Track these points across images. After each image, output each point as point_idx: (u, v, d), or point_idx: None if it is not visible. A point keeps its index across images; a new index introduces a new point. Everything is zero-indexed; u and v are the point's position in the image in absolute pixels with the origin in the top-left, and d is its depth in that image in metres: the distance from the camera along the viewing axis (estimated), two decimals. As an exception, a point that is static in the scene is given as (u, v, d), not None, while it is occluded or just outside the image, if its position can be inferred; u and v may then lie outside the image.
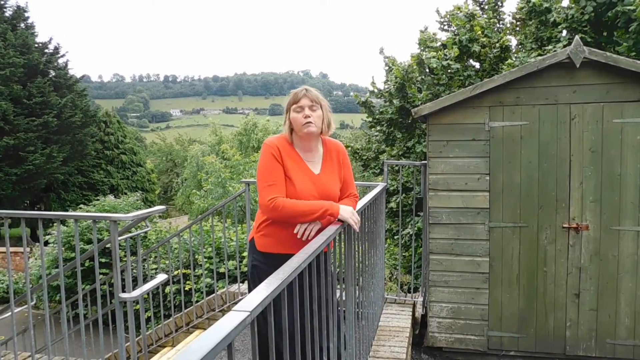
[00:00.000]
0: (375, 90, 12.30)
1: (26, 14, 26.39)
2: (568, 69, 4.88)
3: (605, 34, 9.00)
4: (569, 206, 5.01)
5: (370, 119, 12.23)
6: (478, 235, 5.31)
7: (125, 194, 23.56)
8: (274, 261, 2.69)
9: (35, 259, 13.80)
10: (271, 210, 2.72)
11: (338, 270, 3.00)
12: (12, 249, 3.31)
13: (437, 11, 12.57)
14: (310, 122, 2.81)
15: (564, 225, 5.03)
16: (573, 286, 5.06)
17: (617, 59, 4.65)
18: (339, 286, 3.02)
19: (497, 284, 5.29)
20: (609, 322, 4.98)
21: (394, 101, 10.89)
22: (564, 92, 4.94)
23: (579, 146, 4.92)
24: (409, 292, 7.62)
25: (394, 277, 9.49)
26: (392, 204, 10.41)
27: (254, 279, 2.98)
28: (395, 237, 11.23)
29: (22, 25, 25.94)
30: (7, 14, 25.32)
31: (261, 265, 2.92)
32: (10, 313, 3.76)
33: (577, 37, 4.88)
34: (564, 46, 8.38)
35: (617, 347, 4.98)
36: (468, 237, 5.34)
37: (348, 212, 2.69)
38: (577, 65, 4.75)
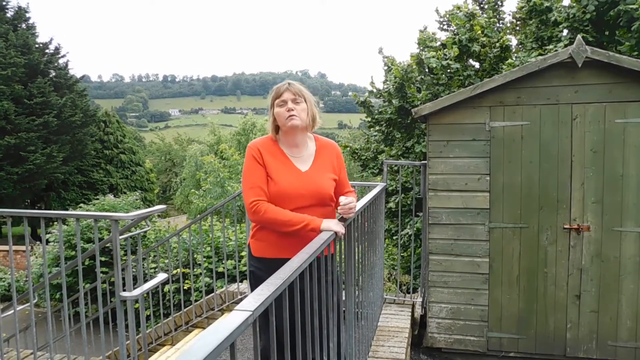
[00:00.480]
0: (374, 90, 12.27)
1: (27, 15, 26.68)
2: (570, 69, 4.84)
3: (607, 33, 8.94)
4: (570, 207, 4.97)
5: (369, 119, 12.19)
6: (478, 236, 5.28)
7: (125, 193, 23.58)
8: (268, 266, 2.66)
9: (36, 257, 13.82)
10: (252, 213, 2.70)
11: (338, 269, 2.96)
12: (13, 247, 3.41)
13: (437, 11, 12.54)
14: (293, 115, 2.74)
15: (565, 226, 4.99)
16: (574, 287, 5.03)
17: (620, 59, 4.61)
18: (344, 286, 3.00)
19: (497, 284, 5.26)
20: (610, 324, 4.95)
21: (393, 101, 10.85)
22: (565, 92, 4.90)
23: (580, 146, 4.89)
24: (408, 293, 7.59)
25: (393, 277, 9.47)
26: (391, 204, 10.38)
27: (252, 285, 2.96)
28: (394, 238, 11.20)
29: (24, 25, 26.23)
30: (8, 15, 25.62)
31: (257, 271, 2.88)
32: (12, 311, 3.78)
33: (579, 36, 4.85)
34: (565, 46, 8.34)
35: (618, 349, 4.94)
36: (468, 238, 5.31)
37: (331, 224, 2.61)
38: (579, 65, 4.71)
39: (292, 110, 2.74)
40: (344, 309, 2.99)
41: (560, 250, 5.04)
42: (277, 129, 2.87)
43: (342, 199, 2.68)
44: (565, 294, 5.05)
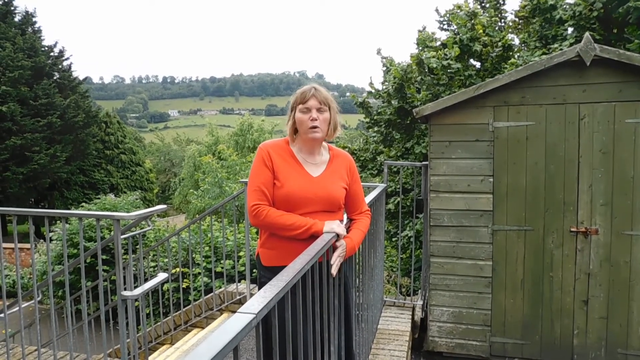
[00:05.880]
0: (373, 91, 12.14)
1: (34, 19, 27.56)
2: (577, 68, 4.72)
3: (615, 31, 8.83)
4: (577, 209, 4.85)
5: (367, 120, 12.08)
6: (481, 239, 5.18)
7: (125, 192, 23.83)
8: None
9: (40, 255, 13.88)
10: (253, 217, 2.62)
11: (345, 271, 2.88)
12: (18, 245, 3.63)
13: (437, 10, 12.41)
14: (316, 127, 2.63)
15: (572, 229, 4.87)
16: (581, 292, 4.90)
17: (630, 56, 4.48)
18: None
19: (500, 288, 5.15)
20: (620, 331, 4.81)
21: (393, 102, 10.73)
22: (572, 91, 4.78)
23: (588, 147, 4.76)
24: (408, 295, 7.49)
25: (392, 279, 9.36)
26: (390, 206, 10.28)
27: None
28: (394, 239, 11.10)
29: (30, 29, 27.08)
30: (16, 19, 26.56)
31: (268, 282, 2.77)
32: (17, 308, 3.86)
33: (587, 34, 4.73)
34: (571, 44, 8.23)
35: (629, 357, 4.81)
36: (470, 240, 5.22)
37: (333, 225, 2.53)
38: (588, 64, 4.59)
39: (316, 120, 2.63)
40: (357, 312, 2.92)
41: (566, 254, 4.92)
42: (294, 131, 2.75)
43: (337, 243, 2.56)
44: (572, 299, 4.93)
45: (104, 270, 9.26)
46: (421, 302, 6.08)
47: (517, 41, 11.28)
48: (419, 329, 5.77)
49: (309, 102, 2.64)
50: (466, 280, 5.25)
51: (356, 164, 12.26)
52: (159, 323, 6.33)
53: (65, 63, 28.61)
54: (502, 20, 11.86)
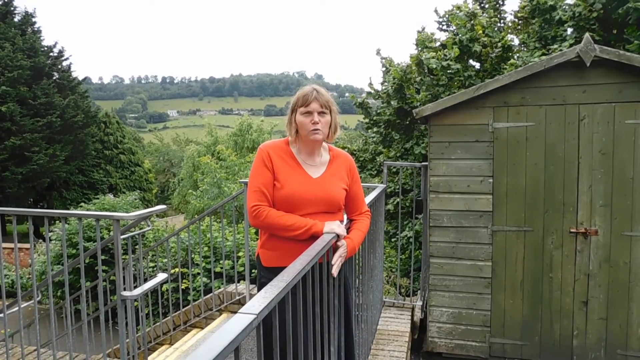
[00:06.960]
0: (373, 91, 12.13)
1: (33, 19, 27.56)
2: (577, 68, 4.72)
3: (614, 32, 8.82)
4: (576, 210, 4.85)
5: (367, 120, 12.06)
6: (480, 239, 5.18)
7: (124, 192, 23.77)
8: None
9: (39, 255, 13.87)
10: (253, 217, 2.62)
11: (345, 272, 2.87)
12: (17, 245, 3.68)
13: (436, 11, 12.40)
14: (318, 130, 2.62)
15: (572, 230, 4.86)
16: (581, 293, 4.90)
17: (630, 57, 4.48)
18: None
19: (500, 289, 5.15)
20: (620, 332, 4.81)
21: (392, 102, 10.72)
22: (572, 92, 4.78)
23: (588, 148, 4.76)
24: (407, 296, 7.49)
25: (391, 280, 9.36)
26: (390, 206, 10.27)
27: None
28: (393, 240, 11.10)
29: (30, 30, 27.06)
30: (16, 19, 26.58)
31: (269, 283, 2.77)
32: (17, 308, 3.88)
33: (587, 34, 4.73)
34: (571, 45, 8.22)
35: (628, 358, 4.81)
36: (470, 241, 5.21)
37: (333, 225, 2.53)
38: (588, 64, 4.59)
39: (318, 123, 2.62)
40: (357, 312, 2.92)
41: (566, 255, 4.91)
42: (295, 132, 2.73)
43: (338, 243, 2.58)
44: (572, 300, 4.93)
45: (103, 270, 9.25)
46: (420, 303, 6.07)
47: (516, 42, 11.26)
48: (419, 330, 5.77)
49: (311, 105, 2.62)
50: (466, 281, 5.25)
51: (355, 164, 12.29)
52: (158, 323, 6.32)
53: (64, 63, 28.66)
54: (502, 21, 11.85)
